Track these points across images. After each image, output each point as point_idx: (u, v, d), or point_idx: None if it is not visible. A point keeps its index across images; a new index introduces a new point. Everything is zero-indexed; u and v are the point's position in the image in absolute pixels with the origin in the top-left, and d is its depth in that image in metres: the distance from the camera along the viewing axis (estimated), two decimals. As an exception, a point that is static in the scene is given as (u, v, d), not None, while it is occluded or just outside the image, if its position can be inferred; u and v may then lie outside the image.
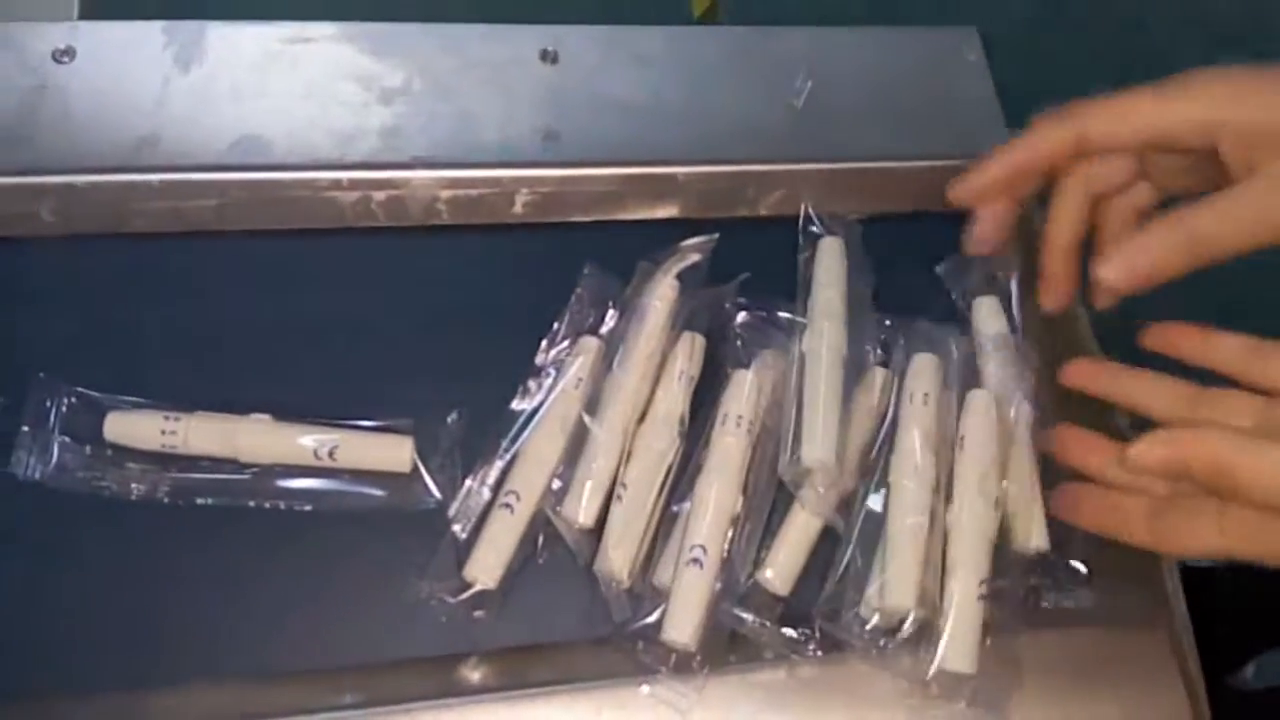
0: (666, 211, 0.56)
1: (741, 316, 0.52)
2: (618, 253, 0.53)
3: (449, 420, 0.50)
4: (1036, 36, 1.66)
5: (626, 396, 0.49)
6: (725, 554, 0.47)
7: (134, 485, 0.47)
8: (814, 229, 0.55)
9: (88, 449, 0.47)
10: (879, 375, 0.52)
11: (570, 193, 0.55)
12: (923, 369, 0.51)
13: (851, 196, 0.57)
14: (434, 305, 0.53)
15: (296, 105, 0.54)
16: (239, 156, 0.52)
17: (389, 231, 0.54)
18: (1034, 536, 0.48)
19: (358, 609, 0.46)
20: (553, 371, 0.51)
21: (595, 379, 0.50)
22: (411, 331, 0.52)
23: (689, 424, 0.50)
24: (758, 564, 0.48)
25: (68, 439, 0.47)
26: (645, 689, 0.45)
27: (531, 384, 0.51)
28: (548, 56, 0.57)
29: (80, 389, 0.48)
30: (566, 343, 0.52)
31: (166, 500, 0.47)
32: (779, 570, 0.47)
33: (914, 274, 0.56)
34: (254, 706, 0.44)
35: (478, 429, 0.49)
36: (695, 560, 0.46)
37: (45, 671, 0.44)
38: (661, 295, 0.51)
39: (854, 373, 0.51)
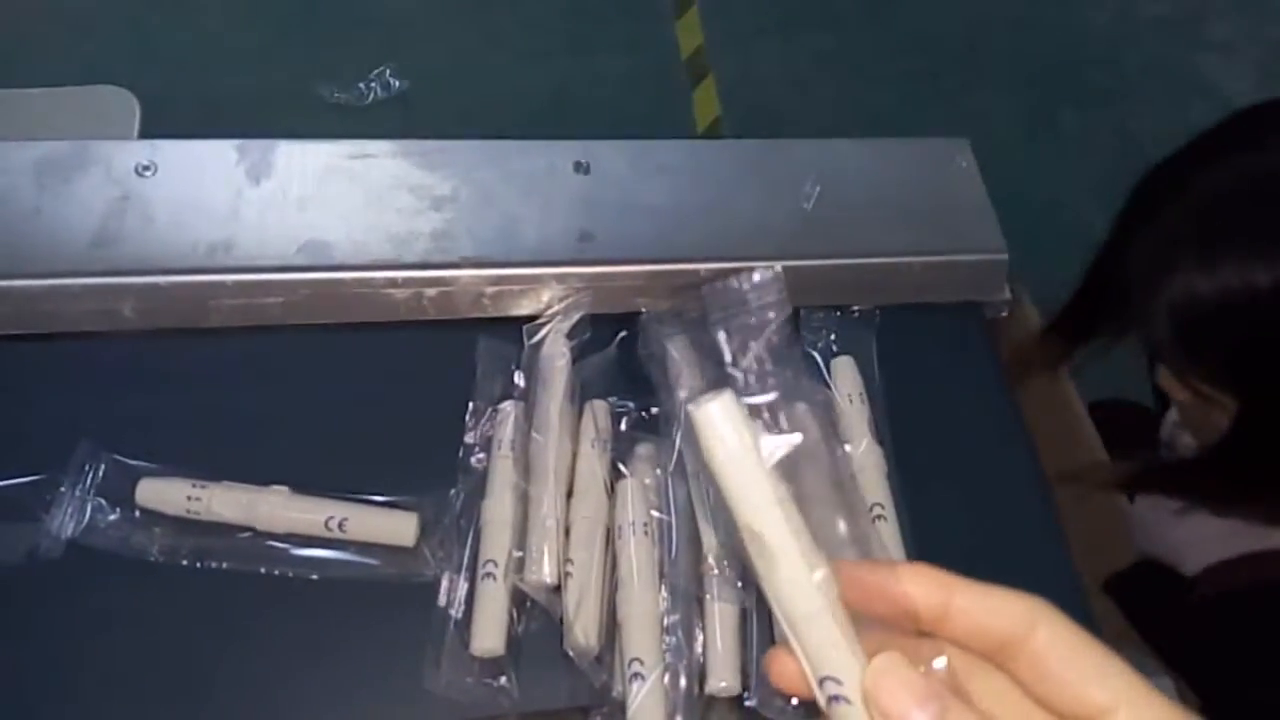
0: (689, 305, 0.61)
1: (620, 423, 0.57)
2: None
3: (450, 495, 0.54)
4: (1031, 145, 1.77)
5: (552, 456, 0.54)
6: (664, 659, 0.49)
7: (157, 546, 0.52)
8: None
9: (118, 511, 0.52)
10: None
11: (602, 288, 0.60)
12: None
13: (856, 290, 0.63)
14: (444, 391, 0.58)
15: (356, 213, 0.59)
16: (304, 259, 0.58)
17: (411, 325, 0.60)
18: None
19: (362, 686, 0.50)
20: (483, 442, 0.56)
21: (522, 439, 0.55)
22: (423, 414, 0.57)
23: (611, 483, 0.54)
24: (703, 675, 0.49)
25: (102, 501, 0.52)
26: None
27: (473, 459, 0.55)
28: (580, 167, 0.63)
29: (116, 456, 0.53)
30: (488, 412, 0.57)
31: (185, 562, 0.51)
32: (725, 673, 0.49)
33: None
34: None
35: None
36: (638, 675, 0.48)
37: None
38: (559, 361, 0.57)
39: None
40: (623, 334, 0.59)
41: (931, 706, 0.26)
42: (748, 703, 0.48)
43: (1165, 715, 0.27)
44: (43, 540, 0.51)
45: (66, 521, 0.51)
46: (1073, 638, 0.28)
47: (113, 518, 0.51)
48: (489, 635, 0.50)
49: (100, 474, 0.52)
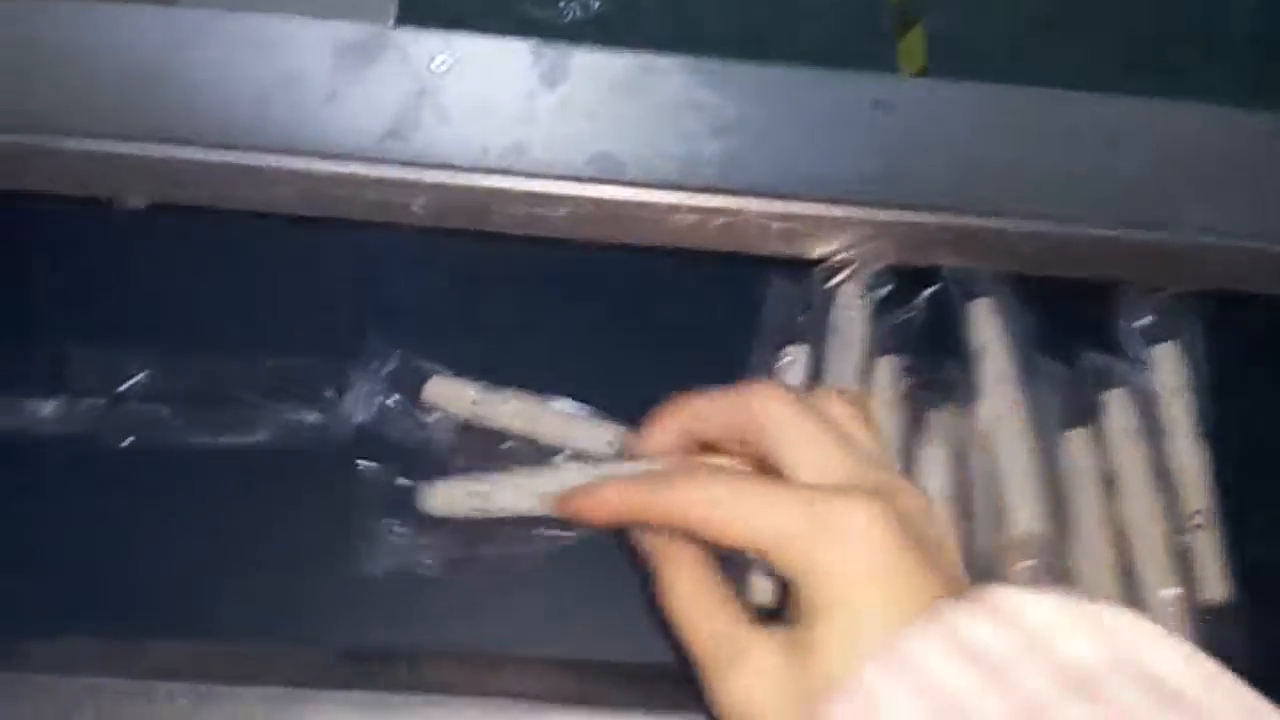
0: (988, 263, 0.57)
1: (910, 383, 0.53)
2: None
3: None
4: None
5: None
6: None
7: (439, 443, 0.51)
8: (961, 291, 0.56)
9: (404, 405, 0.52)
10: (1074, 438, 0.52)
11: (892, 236, 0.57)
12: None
13: (1178, 270, 0.58)
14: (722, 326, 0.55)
15: (647, 130, 0.57)
16: (593, 171, 0.56)
17: (692, 253, 0.58)
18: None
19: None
20: None
21: (808, 389, 0.52)
22: (699, 347, 0.55)
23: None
24: None
25: (390, 393, 0.52)
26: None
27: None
28: (879, 105, 0.59)
29: (405, 351, 0.53)
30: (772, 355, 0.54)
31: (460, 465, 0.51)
32: None
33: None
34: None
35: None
36: None
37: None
38: (856, 312, 0.54)
39: (1042, 436, 0.51)
40: (929, 290, 0.55)
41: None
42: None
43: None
44: (333, 423, 0.51)
45: (357, 407, 0.51)
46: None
47: (400, 411, 0.51)
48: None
49: (388, 366, 0.52)
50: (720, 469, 0.39)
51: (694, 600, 0.36)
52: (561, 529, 0.48)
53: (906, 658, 0.29)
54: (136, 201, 0.56)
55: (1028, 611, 0.29)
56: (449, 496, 0.48)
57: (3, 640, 0.46)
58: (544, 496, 0.44)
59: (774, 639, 0.34)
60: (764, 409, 0.37)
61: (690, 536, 0.37)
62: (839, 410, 0.38)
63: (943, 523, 0.45)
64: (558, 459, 0.50)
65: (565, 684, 0.48)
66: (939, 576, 0.33)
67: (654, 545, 0.38)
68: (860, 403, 0.40)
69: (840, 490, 0.34)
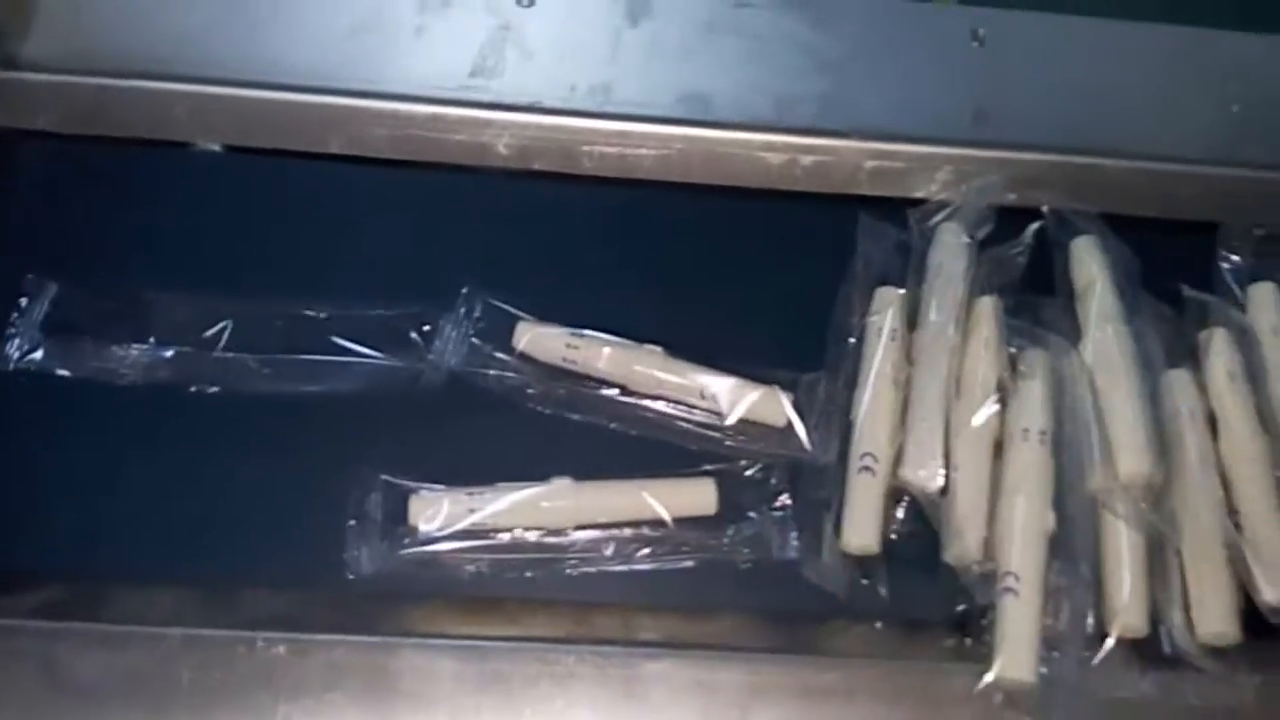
0: (1090, 202, 0.55)
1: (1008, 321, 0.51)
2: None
3: (821, 378, 0.50)
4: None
5: (944, 351, 0.49)
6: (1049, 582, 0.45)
7: (532, 391, 0.50)
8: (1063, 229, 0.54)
9: (496, 351, 0.51)
10: (1177, 377, 0.50)
11: (993, 175, 0.55)
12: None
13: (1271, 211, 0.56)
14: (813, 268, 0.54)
15: (737, 67, 0.55)
16: (682, 111, 0.54)
17: (783, 195, 0.56)
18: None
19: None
20: (858, 327, 0.51)
21: (905, 330, 0.51)
22: (791, 290, 0.54)
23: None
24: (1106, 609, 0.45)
25: (481, 340, 0.51)
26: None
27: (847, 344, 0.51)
28: (977, 37, 0.57)
29: (493, 300, 0.52)
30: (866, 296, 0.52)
31: (550, 412, 0.50)
32: (1132, 612, 0.45)
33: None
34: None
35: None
36: (1010, 590, 0.44)
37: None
38: (960, 251, 0.52)
39: (1147, 374, 0.50)
40: (1033, 227, 0.53)
41: None
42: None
43: None
44: (427, 369, 0.50)
45: (449, 355, 0.50)
46: None
47: (492, 357, 0.50)
48: (863, 531, 0.47)
49: (479, 313, 0.51)
50: None
51: None
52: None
53: None
54: (213, 144, 0.55)
55: None
56: (440, 508, 0.47)
57: (94, 590, 0.46)
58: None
59: None
60: None
61: None
62: None
63: None
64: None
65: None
66: None
67: None
68: None
69: None
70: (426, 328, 0.51)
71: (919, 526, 0.48)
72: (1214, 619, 0.45)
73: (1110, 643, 0.44)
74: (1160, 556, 0.46)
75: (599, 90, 0.54)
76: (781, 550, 0.48)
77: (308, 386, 0.50)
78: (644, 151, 0.54)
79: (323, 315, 0.51)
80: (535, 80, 0.54)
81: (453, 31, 0.54)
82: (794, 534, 0.48)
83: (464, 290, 0.51)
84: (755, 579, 0.48)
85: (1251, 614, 0.46)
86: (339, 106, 0.53)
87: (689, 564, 0.48)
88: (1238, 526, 0.47)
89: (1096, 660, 0.44)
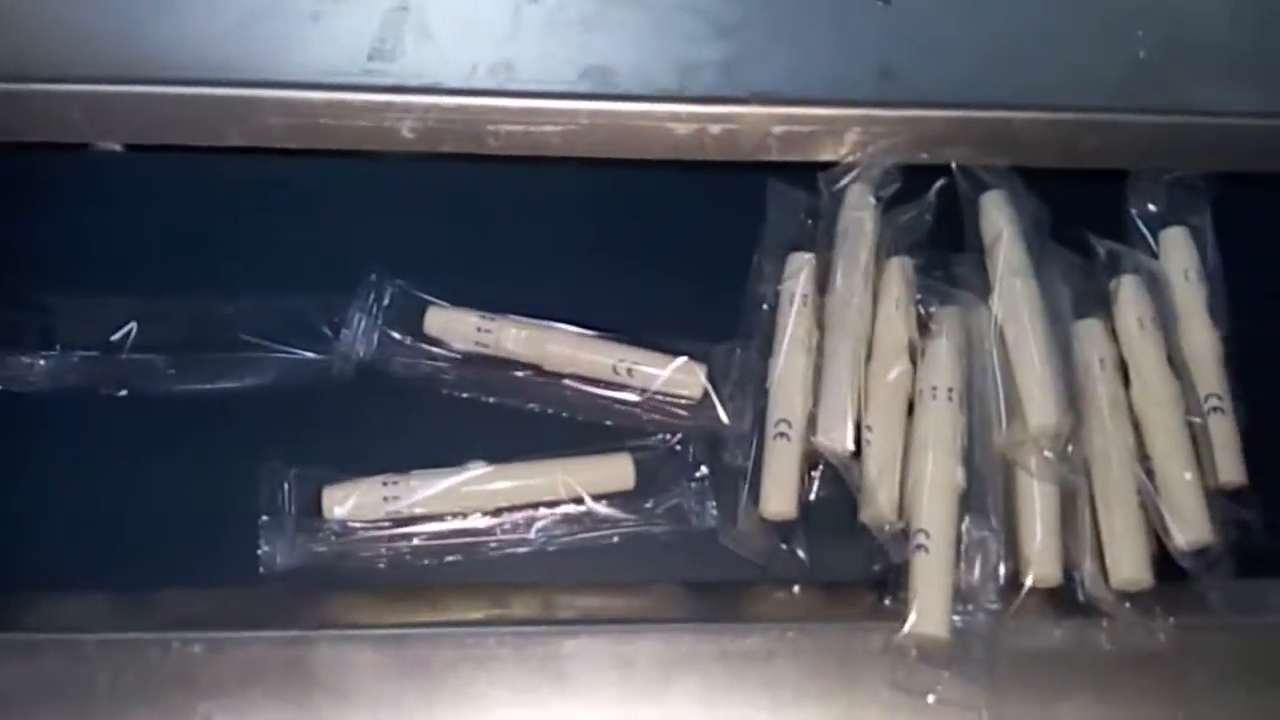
0: (996, 156, 0.55)
1: (919, 280, 0.51)
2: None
3: (735, 347, 0.51)
4: None
5: (854, 314, 0.49)
6: (960, 536, 0.45)
7: (444, 377, 0.50)
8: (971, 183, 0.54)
9: (407, 338, 0.51)
10: (1088, 327, 0.51)
11: (898, 134, 0.55)
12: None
13: (1191, 153, 0.55)
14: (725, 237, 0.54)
15: (639, 38, 0.55)
16: (587, 85, 0.53)
17: (692, 165, 0.55)
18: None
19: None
20: (771, 294, 0.51)
21: (816, 294, 0.51)
22: (703, 260, 0.54)
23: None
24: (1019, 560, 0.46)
25: (390, 328, 0.50)
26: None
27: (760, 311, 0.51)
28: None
29: (404, 285, 0.51)
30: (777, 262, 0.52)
31: (465, 396, 0.50)
32: (1045, 562, 0.45)
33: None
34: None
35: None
36: (921, 547, 0.44)
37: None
38: (866, 213, 0.52)
39: (1056, 325, 0.50)
40: (938, 184, 0.53)
41: None
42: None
43: None
44: (337, 359, 0.50)
45: (358, 344, 0.50)
46: None
47: (402, 344, 0.50)
48: (781, 497, 0.47)
49: (387, 300, 0.51)
50: None
51: None
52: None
53: None
54: (112, 144, 0.54)
55: None
56: (353, 498, 0.47)
57: (5, 599, 0.45)
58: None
59: None
60: None
61: None
62: None
63: None
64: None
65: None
66: None
67: None
68: None
69: None
70: (335, 318, 0.50)
71: (837, 490, 0.48)
72: (1127, 565, 0.45)
73: (1024, 594, 0.45)
74: (1072, 506, 0.46)
75: (500, 68, 0.53)
76: (700, 520, 0.48)
77: (217, 384, 0.50)
78: (549, 128, 0.53)
79: (230, 311, 0.51)
80: (436, 61, 0.53)
81: (350, 15, 0.53)
82: (712, 504, 0.48)
83: (372, 277, 0.51)
84: (675, 551, 0.48)
85: (1164, 559, 0.46)
86: (236, 97, 0.52)
87: (610, 540, 0.48)
88: (1149, 473, 0.47)
89: (1010, 611, 0.44)
